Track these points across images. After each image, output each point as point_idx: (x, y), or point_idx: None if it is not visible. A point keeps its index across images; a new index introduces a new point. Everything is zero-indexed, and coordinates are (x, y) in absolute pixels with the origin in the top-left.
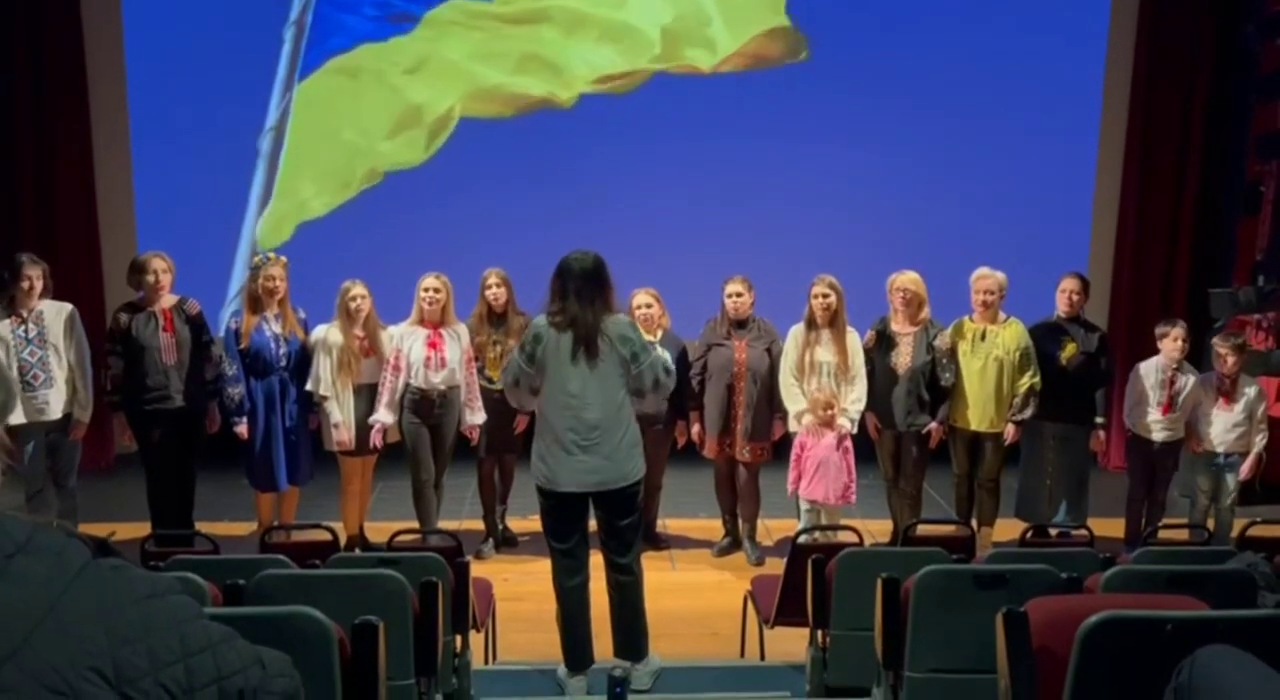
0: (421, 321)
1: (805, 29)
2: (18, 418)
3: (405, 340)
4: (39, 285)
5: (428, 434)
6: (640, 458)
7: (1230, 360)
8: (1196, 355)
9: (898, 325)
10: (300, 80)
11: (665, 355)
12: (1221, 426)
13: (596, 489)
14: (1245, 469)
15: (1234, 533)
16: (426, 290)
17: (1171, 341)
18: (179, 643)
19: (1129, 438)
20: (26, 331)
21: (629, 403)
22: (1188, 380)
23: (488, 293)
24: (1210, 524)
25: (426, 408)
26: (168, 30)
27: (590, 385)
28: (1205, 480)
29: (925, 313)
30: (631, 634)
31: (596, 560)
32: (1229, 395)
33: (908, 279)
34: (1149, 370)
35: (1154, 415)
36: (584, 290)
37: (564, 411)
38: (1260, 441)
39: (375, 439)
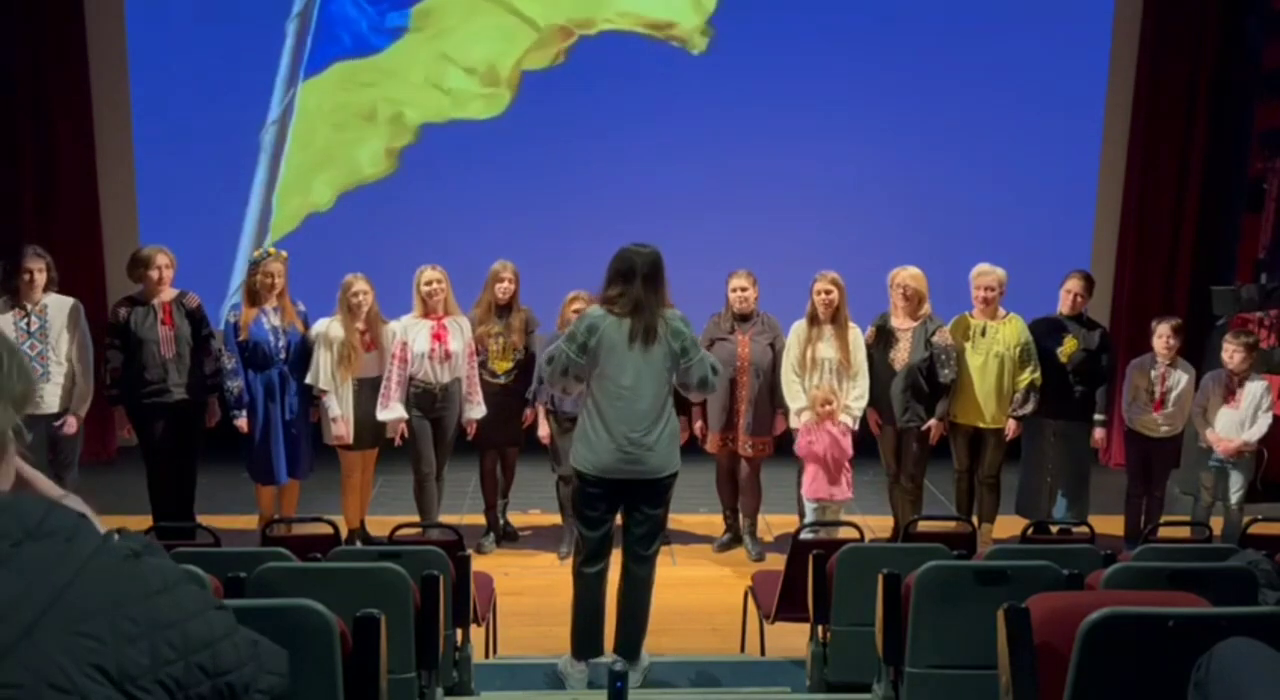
0: (425, 314)
1: (809, 25)
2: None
3: (409, 332)
4: (40, 278)
5: (429, 427)
6: (678, 450)
7: (1238, 357)
8: (1199, 352)
9: (898, 321)
10: (306, 77)
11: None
12: (1227, 424)
13: (636, 477)
14: (1226, 446)
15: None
16: (429, 283)
17: (1159, 338)
18: (181, 640)
19: (1126, 434)
20: (28, 324)
21: (672, 396)
22: (1181, 377)
23: (499, 286)
24: (1214, 521)
25: (428, 401)
26: (170, 24)
27: (644, 378)
28: (1209, 477)
29: (926, 308)
30: (633, 632)
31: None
32: (1235, 393)
33: (909, 274)
34: (1143, 367)
35: (1149, 412)
36: (648, 278)
37: (616, 402)
38: (1255, 432)
39: (400, 431)
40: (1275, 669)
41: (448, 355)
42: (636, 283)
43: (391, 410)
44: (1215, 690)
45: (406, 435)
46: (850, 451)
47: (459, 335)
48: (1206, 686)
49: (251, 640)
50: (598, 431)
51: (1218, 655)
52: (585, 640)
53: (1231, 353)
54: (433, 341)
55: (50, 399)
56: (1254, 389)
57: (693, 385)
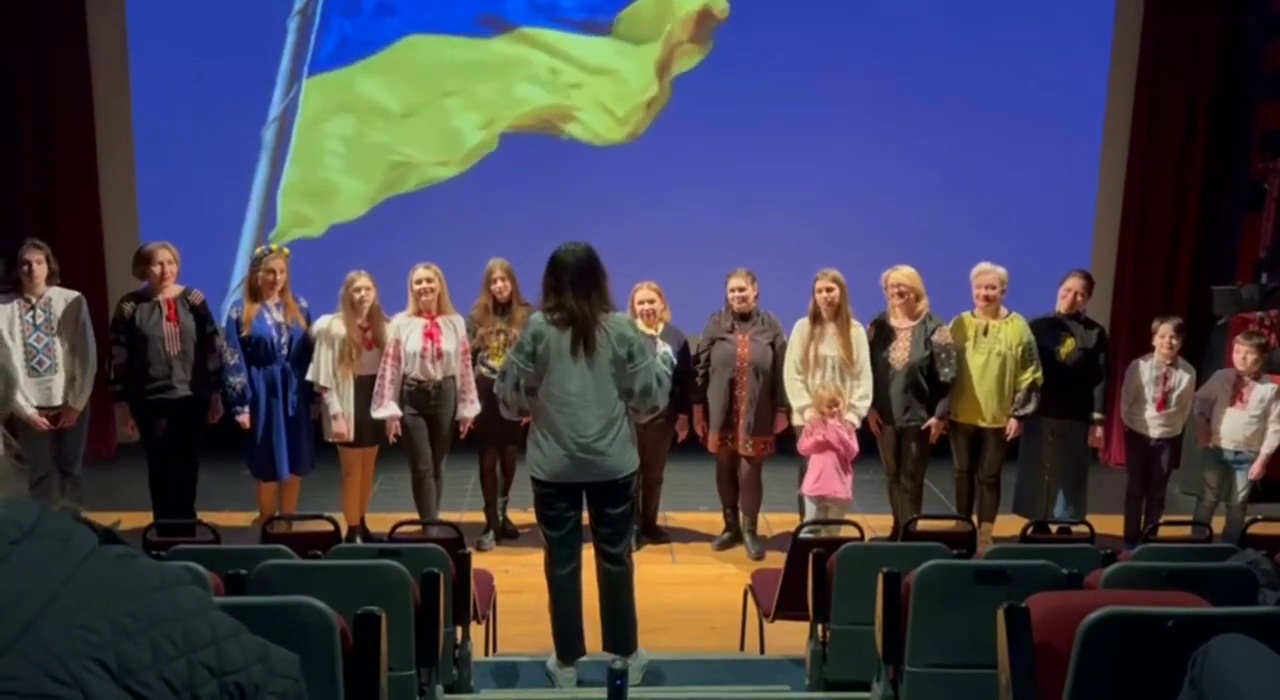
0: (418, 312)
1: (810, 26)
2: (29, 405)
3: (403, 330)
4: (40, 269)
5: (424, 424)
6: (634, 451)
7: (1251, 358)
8: (1199, 352)
9: (896, 320)
10: (311, 74)
11: (663, 366)
12: (1233, 424)
13: (593, 480)
14: (1255, 469)
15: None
16: (419, 281)
17: (1161, 338)
18: (182, 637)
19: (1126, 435)
20: (34, 317)
21: (624, 400)
22: (1182, 377)
23: (494, 286)
24: (1216, 522)
25: (422, 399)
26: (172, 19)
27: (589, 385)
28: (1214, 477)
29: (923, 306)
30: (620, 627)
31: (588, 554)
32: (1243, 394)
33: (901, 275)
34: (1144, 367)
35: (1149, 412)
36: (579, 283)
37: (564, 408)
38: (1273, 442)
39: (395, 430)
40: (1268, 664)
41: (440, 354)
42: (566, 293)
43: (385, 408)
44: (1209, 686)
45: (400, 433)
46: (856, 450)
47: (452, 334)
48: (1201, 682)
49: (260, 643)
50: (547, 438)
51: (1211, 651)
52: (566, 643)
53: (1244, 354)
54: (425, 340)
55: (58, 391)
56: (1263, 391)
57: (635, 392)
